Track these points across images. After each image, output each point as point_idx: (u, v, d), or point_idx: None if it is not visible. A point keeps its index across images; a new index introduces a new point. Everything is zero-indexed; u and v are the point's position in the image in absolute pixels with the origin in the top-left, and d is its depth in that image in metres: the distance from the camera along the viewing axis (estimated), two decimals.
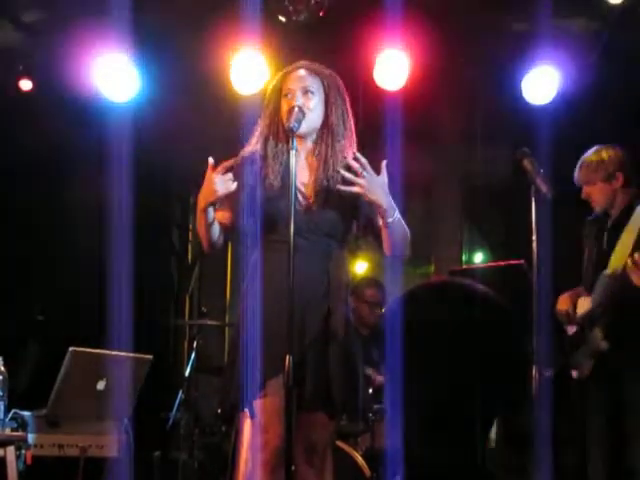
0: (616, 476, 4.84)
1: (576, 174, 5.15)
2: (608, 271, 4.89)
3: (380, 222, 3.74)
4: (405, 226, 3.79)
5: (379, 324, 6.18)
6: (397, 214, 3.72)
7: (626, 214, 4.98)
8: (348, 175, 3.64)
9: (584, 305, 4.99)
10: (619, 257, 4.86)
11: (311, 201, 3.77)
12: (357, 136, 3.92)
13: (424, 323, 5.17)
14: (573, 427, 5.34)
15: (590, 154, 5.13)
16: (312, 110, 3.77)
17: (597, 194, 5.05)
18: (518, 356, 4.95)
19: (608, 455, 4.89)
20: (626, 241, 4.87)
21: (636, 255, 4.63)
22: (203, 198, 3.68)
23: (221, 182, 3.61)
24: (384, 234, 3.77)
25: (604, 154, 5.08)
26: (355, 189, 3.64)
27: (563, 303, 5.08)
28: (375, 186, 3.64)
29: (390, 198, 3.69)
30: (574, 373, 5.01)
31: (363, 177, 3.63)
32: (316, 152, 3.83)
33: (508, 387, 5.33)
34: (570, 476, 5.38)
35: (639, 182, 5.09)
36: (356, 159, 3.66)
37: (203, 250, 3.92)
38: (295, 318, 3.54)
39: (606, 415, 4.91)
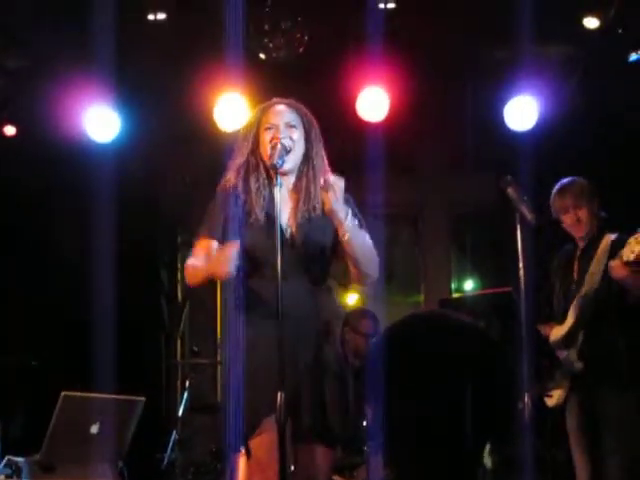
0: None
1: (559, 203, 5.08)
2: (583, 292, 4.93)
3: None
4: (368, 241, 3.78)
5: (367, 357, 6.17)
6: (353, 222, 3.70)
7: (596, 242, 5.01)
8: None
9: (557, 332, 5.04)
10: (591, 280, 4.91)
11: (295, 234, 3.78)
12: (341, 169, 3.94)
13: (411, 354, 5.16)
14: (557, 451, 5.38)
15: (569, 181, 5.11)
16: (296, 143, 3.79)
17: (585, 217, 5.03)
18: (505, 388, 4.97)
19: (589, 474, 4.93)
20: (596, 267, 4.93)
21: (615, 262, 4.68)
22: (215, 271, 3.63)
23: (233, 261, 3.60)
24: (347, 251, 3.73)
25: (581, 180, 5.09)
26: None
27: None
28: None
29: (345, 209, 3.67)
30: (548, 401, 5.05)
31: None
32: (298, 187, 3.83)
33: (496, 416, 5.32)
34: None
35: (605, 209, 5.15)
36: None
37: (192, 288, 3.92)
38: (286, 354, 3.54)
39: (583, 433, 4.95)
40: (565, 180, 5.14)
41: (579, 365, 4.90)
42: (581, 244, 5.08)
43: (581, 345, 4.92)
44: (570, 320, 4.96)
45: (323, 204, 3.69)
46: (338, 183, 3.62)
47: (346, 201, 3.71)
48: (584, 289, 4.93)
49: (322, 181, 3.67)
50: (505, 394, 4.65)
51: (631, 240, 4.51)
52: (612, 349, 4.87)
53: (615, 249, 4.83)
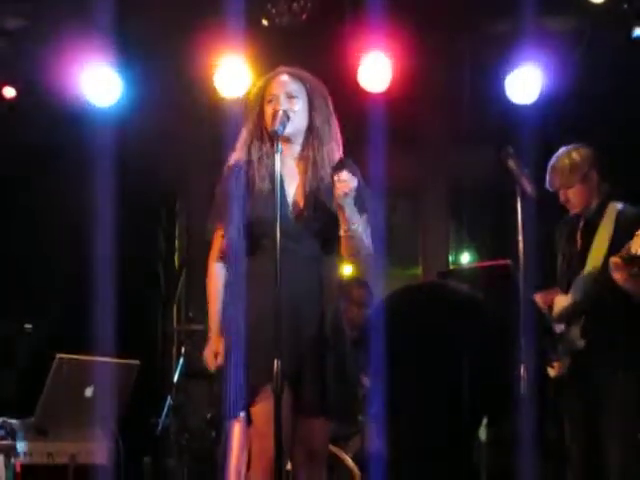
0: (592, 474, 4.86)
1: (549, 179, 5.03)
2: (586, 271, 4.88)
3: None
4: (366, 241, 3.78)
5: (363, 326, 6.17)
6: (359, 229, 3.72)
7: (598, 212, 4.95)
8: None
9: (561, 303, 4.99)
10: (595, 256, 4.84)
11: (301, 205, 3.77)
12: (343, 139, 3.93)
13: (409, 325, 5.16)
14: (554, 426, 5.38)
15: (561, 157, 5.02)
16: (297, 113, 3.78)
17: (575, 197, 4.97)
18: (503, 356, 4.96)
19: (585, 453, 4.91)
20: (601, 240, 4.86)
21: (616, 259, 4.60)
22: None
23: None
24: (342, 240, 3.74)
25: (575, 155, 4.99)
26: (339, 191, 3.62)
27: (539, 302, 5.08)
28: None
29: (354, 211, 3.68)
30: (551, 372, 5.02)
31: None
32: (304, 156, 3.83)
33: (494, 388, 5.33)
34: (554, 475, 5.41)
35: (610, 178, 5.06)
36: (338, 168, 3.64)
37: (190, 255, 3.95)
38: (288, 323, 3.55)
39: (581, 414, 4.93)
40: (558, 153, 5.05)
41: (581, 343, 4.86)
42: (583, 216, 5.02)
43: (584, 323, 4.88)
44: (572, 296, 4.93)
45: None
46: (350, 182, 3.59)
47: (359, 189, 3.70)
48: (587, 266, 4.87)
49: (335, 175, 3.64)
50: (503, 366, 4.65)
51: (639, 233, 4.39)
52: (614, 329, 4.81)
53: (621, 221, 4.81)
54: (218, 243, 3.87)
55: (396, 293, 5.77)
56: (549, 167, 5.05)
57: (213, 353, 3.78)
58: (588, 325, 4.84)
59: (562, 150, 5.06)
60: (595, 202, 4.98)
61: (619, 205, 4.93)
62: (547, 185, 5.04)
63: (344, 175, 3.59)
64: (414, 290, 5.41)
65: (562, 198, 5.01)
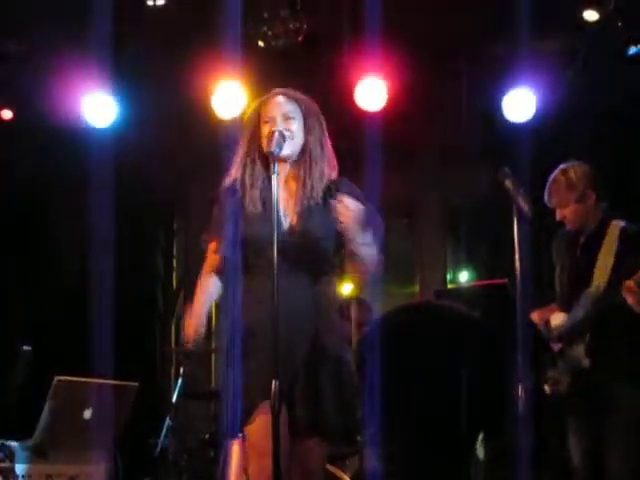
0: None
1: (547, 197, 5.06)
2: (592, 288, 4.89)
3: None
4: (372, 252, 3.79)
5: (359, 346, 6.17)
6: (364, 248, 3.74)
7: (600, 230, 4.96)
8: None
9: (557, 321, 5.00)
10: (600, 274, 4.85)
11: (294, 224, 3.78)
12: (337, 158, 3.94)
13: (404, 344, 5.17)
14: (552, 443, 5.38)
15: (558, 175, 5.03)
16: (294, 134, 3.80)
17: (571, 215, 4.97)
18: (499, 375, 4.97)
19: (588, 470, 4.93)
20: (605, 258, 4.87)
21: (630, 283, 4.63)
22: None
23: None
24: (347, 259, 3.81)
25: (572, 174, 4.99)
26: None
27: (536, 319, 5.09)
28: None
29: (358, 231, 3.69)
30: (547, 389, 5.03)
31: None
32: (295, 176, 3.85)
33: (490, 405, 5.33)
34: None
35: (609, 196, 5.07)
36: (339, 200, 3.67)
37: (188, 275, 3.97)
38: (285, 344, 3.55)
39: (584, 431, 4.94)
40: (556, 171, 5.05)
41: (586, 362, 4.85)
42: (582, 233, 5.02)
43: (589, 341, 4.88)
44: (575, 314, 4.93)
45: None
46: (351, 209, 3.61)
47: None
48: (593, 284, 4.87)
49: (337, 201, 3.66)
50: (499, 384, 4.66)
51: None
52: (619, 347, 4.83)
53: (624, 239, 4.83)
54: (211, 258, 3.90)
55: (392, 312, 5.77)
56: (547, 184, 5.06)
57: (193, 325, 3.84)
58: (593, 343, 4.85)
59: (560, 167, 5.06)
60: (593, 220, 4.98)
61: (621, 223, 4.93)
62: (545, 201, 5.07)
63: (346, 202, 3.61)
64: (411, 309, 5.41)
65: (559, 216, 5.03)
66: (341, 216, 3.61)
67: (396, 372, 4.94)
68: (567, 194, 4.98)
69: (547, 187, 5.07)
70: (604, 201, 5.01)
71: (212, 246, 3.88)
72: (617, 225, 4.93)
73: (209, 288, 3.92)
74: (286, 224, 3.78)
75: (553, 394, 5.02)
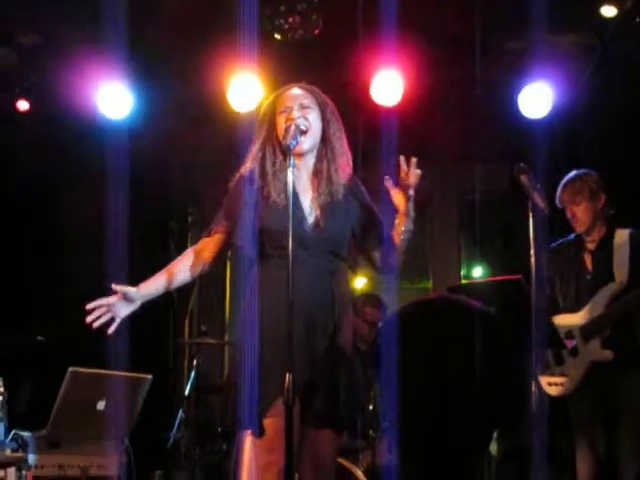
0: None
1: (559, 195, 5.27)
2: (614, 284, 5.06)
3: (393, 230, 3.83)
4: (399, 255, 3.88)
5: (375, 341, 6.17)
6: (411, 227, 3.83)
7: (608, 236, 5.19)
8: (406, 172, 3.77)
9: (567, 320, 5.09)
10: (620, 274, 5.07)
11: (319, 218, 3.78)
12: (352, 154, 3.95)
13: (420, 339, 5.16)
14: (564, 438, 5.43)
15: (572, 177, 5.27)
16: (312, 123, 3.80)
17: (582, 213, 5.21)
18: (514, 370, 4.97)
19: (598, 463, 5.02)
20: (620, 260, 5.11)
21: None
22: None
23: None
24: (393, 240, 3.83)
25: (585, 177, 5.24)
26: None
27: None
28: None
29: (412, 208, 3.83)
30: (551, 390, 5.10)
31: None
32: (317, 170, 3.85)
33: (505, 401, 5.33)
34: None
35: (613, 205, 5.29)
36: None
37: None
38: (303, 335, 3.57)
39: (597, 424, 5.02)
40: (570, 174, 5.28)
41: (607, 353, 4.98)
42: (589, 239, 5.23)
43: (609, 335, 5.01)
44: (596, 310, 5.06)
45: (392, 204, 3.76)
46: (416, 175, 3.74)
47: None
48: (615, 282, 5.07)
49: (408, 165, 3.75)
50: (514, 380, 4.65)
51: None
52: (637, 340, 5.03)
53: (634, 243, 5.10)
54: (204, 242, 3.92)
55: (408, 307, 5.76)
56: (560, 185, 5.28)
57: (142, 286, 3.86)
58: (615, 335, 4.93)
59: (573, 172, 5.28)
60: (600, 224, 5.21)
61: (627, 230, 5.18)
62: (557, 202, 5.22)
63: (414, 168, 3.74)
64: (427, 304, 5.38)
65: (569, 214, 5.18)
66: (410, 181, 3.73)
67: (411, 367, 4.93)
68: (580, 192, 5.20)
69: (560, 187, 5.29)
70: (611, 208, 5.24)
71: (216, 235, 3.88)
72: (623, 232, 5.18)
73: (184, 258, 3.93)
74: (311, 219, 3.77)
75: (559, 395, 5.09)
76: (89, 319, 3.76)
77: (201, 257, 3.91)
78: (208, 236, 3.91)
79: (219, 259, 3.95)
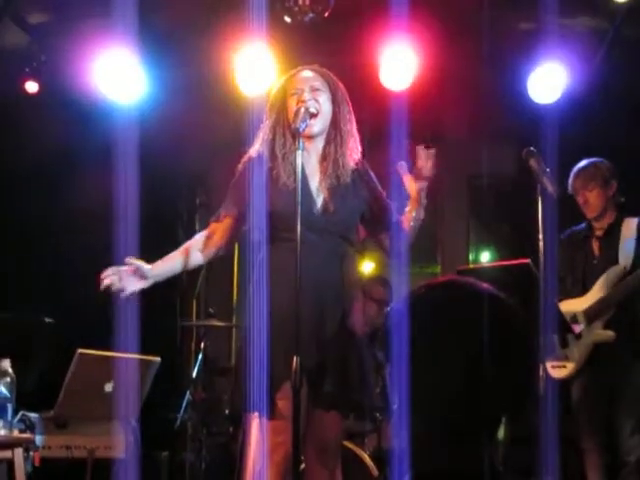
0: (609, 461, 5.01)
1: (571, 182, 5.35)
2: (618, 268, 5.15)
3: (404, 215, 3.85)
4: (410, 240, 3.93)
5: (385, 323, 6.16)
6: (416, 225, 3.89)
7: (617, 224, 5.28)
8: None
9: (572, 305, 5.11)
10: (625, 257, 5.16)
11: (327, 201, 3.77)
12: (361, 137, 3.94)
13: (431, 322, 5.16)
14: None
15: (586, 164, 5.35)
16: (322, 106, 3.79)
17: (594, 199, 5.30)
18: (524, 355, 4.98)
19: (601, 441, 5.12)
20: (626, 244, 5.19)
21: None
22: None
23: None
24: (402, 225, 3.84)
25: (599, 164, 5.32)
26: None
27: None
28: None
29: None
30: (556, 373, 5.13)
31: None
32: (326, 153, 3.84)
33: (514, 385, 5.34)
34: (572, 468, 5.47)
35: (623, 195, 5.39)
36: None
37: None
38: (311, 315, 3.58)
39: (600, 403, 5.08)
40: (583, 162, 5.37)
41: (609, 334, 5.05)
42: (597, 226, 5.30)
43: (614, 315, 5.09)
44: (599, 292, 5.13)
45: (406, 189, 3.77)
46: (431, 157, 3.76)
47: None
48: (619, 265, 5.15)
49: (420, 171, 3.79)
50: (523, 365, 4.66)
51: None
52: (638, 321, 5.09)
53: None
54: (218, 226, 3.90)
55: (419, 289, 5.76)
56: (573, 172, 5.37)
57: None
58: (618, 316, 4.97)
59: (586, 160, 5.38)
60: (610, 212, 5.30)
61: (635, 218, 5.27)
62: (569, 188, 5.33)
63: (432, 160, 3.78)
64: (437, 287, 5.36)
65: (581, 200, 5.26)
66: (427, 170, 3.76)
67: (420, 350, 4.92)
68: (593, 178, 5.30)
69: (573, 173, 5.39)
70: (621, 196, 5.34)
71: (226, 220, 3.89)
72: (632, 220, 5.28)
73: (192, 253, 3.93)
74: (319, 201, 3.77)
75: (564, 377, 5.12)
76: (102, 286, 3.75)
77: (213, 241, 3.91)
78: (217, 221, 3.90)
79: (231, 244, 3.95)
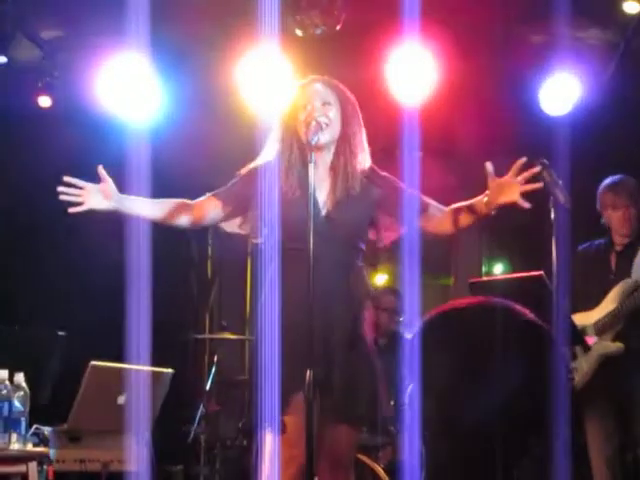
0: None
1: (610, 197, 5.34)
2: (632, 280, 5.16)
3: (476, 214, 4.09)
4: None
5: (397, 333, 6.15)
6: None
7: (637, 238, 5.31)
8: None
9: (586, 318, 5.10)
10: (639, 270, 5.16)
11: (332, 211, 3.78)
12: (374, 149, 3.95)
13: (450, 345, 4.99)
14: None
15: (612, 180, 5.37)
16: (331, 121, 3.79)
17: (620, 219, 5.32)
18: (547, 375, 4.87)
19: (610, 460, 5.11)
20: None
21: None
22: None
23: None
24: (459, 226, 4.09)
25: (625, 180, 5.35)
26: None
27: None
28: None
29: None
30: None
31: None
32: (335, 165, 3.85)
33: (538, 408, 5.23)
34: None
35: None
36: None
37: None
38: (320, 330, 3.56)
39: (612, 417, 5.07)
40: (617, 177, 5.37)
41: (618, 346, 5.08)
42: (619, 241, 5.31)
43: (622, 328, 5.10)
44: (610, 305, 5.15)
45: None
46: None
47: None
48: (633, 278, 5.17)
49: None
50: (546, 385, 4.52)
51: None
52: None
53: None
54: (201, 201, 4.05)
55: (437, 315, 5.59)
56: (609, 188, 5.39)
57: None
58: (627, 329, 4.98)
59: (616, 177, 5.40)
60: (635, 229, 5.33)
61: None
62: (600, 205, 5.38)
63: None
64: (466, 309, 5.05)
65: (618, 218, 5.25)
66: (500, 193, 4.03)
67: (440, 374, 4.80)
68: (621, 196, 5.32)
69: (601, 190, 5.41)
70: None
71: (212, 198, 3.99)
72: None
73: (168, 201, 4.05)
74: (325, 212, 3.78)
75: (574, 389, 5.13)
76: (60, 189, 3.83)
77: (187, 208, 4.02)
78: (214, 197, 4.02)
79: (199, 224, 4.08)
